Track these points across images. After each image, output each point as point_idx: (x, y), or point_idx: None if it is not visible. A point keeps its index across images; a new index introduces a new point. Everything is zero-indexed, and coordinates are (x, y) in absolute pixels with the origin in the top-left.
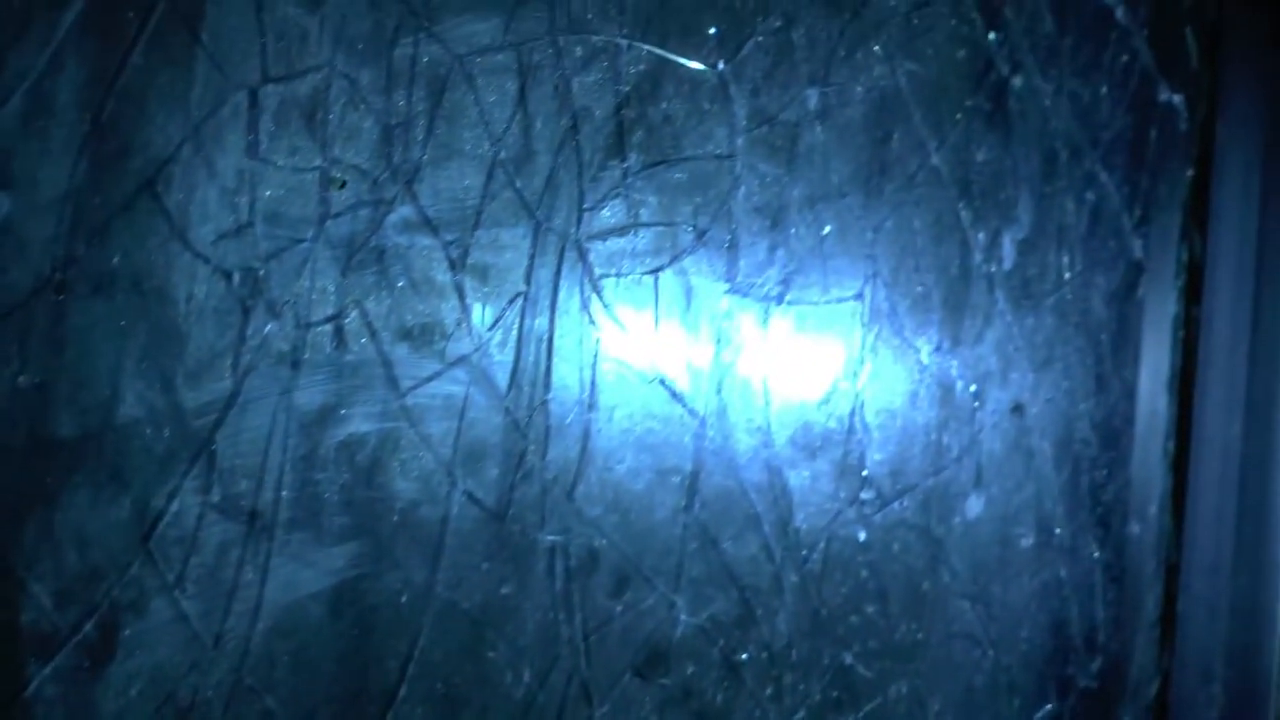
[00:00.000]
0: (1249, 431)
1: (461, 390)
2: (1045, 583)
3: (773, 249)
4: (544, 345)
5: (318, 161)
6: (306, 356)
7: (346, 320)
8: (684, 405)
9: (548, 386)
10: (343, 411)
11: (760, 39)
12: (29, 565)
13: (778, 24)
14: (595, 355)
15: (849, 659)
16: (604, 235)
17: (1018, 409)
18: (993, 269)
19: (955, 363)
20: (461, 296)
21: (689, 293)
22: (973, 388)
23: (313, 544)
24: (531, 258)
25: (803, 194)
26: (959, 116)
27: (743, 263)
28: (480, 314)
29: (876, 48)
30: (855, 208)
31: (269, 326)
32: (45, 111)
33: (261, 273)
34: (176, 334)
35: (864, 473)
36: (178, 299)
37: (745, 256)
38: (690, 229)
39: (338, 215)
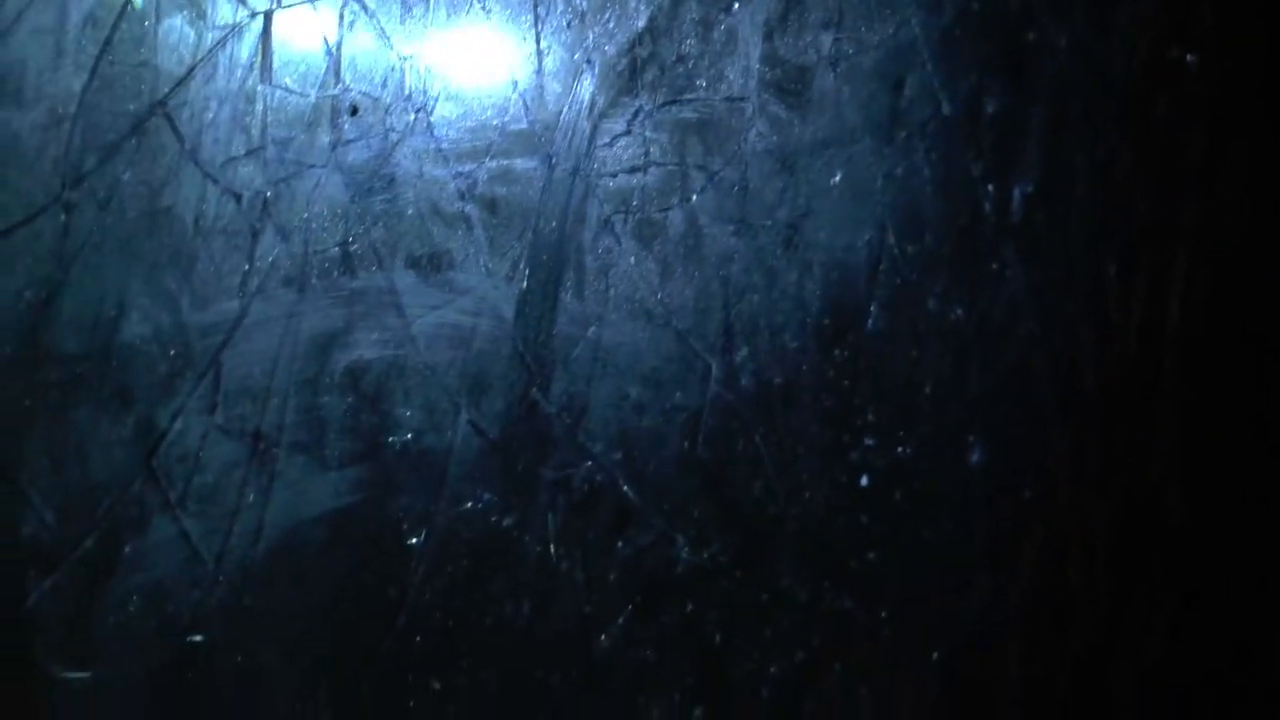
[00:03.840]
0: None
1: (468, 321)
2: (1047, 539)
3: (783, 192)
4: (551, 279)
5: (331, 88)
6: (314, 281)
7: (355, 247)
8: (690, 344)
9: (554, 321)
10: (349, 337)
11: None
12: (32, 480)
13: None
14: (603, 291)
15: (849, 603)
16: (614, 173)
17: (1023, 361)
18: (1002, 221)
19: (961, 313)
20: (470, 227)
21: (698, 233)
22: (978, 339)
23: (316, 468)
24: (542, 191)
25: (814, 138)
26: (972, 66)
27: (752, 205)
28: (489, 246)
29: None
30: (866, 154)
31: (277, 250)
32: (57, 29)
33: (271, 196)
34: (184, 254)
35: (868, 419)
36: (186, 220)
37: (755, 198)
38: (701, 169)
39: (349, 142)
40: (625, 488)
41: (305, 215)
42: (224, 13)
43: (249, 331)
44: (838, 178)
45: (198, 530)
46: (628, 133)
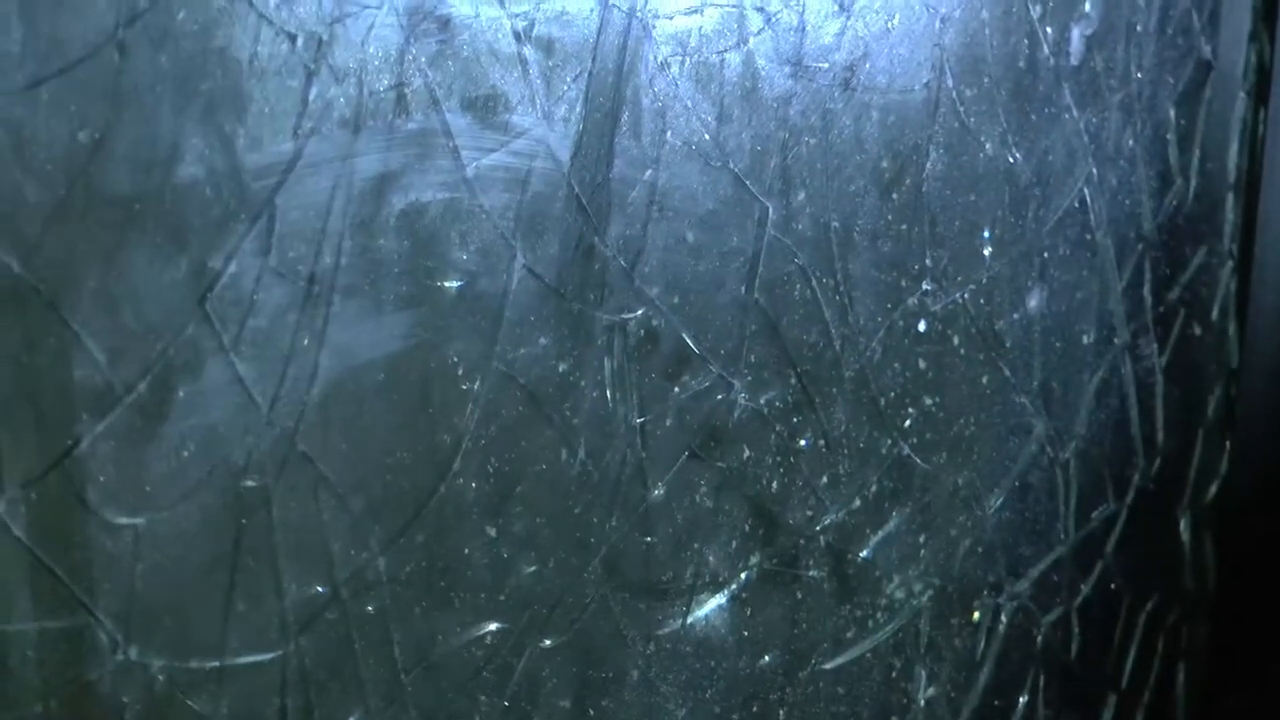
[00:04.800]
0: None
1: (524, 164)
2: (1105, 382)
3: (840, 34)
4: (608, 122)
5: None
6: (369, 123)
7: (410, 89)
8: (747, 188)
9: (610, 164)
10: (404, 180)
11: None
12: (85, 322)
13: None
14: (659, 134)
15: (906, 450)
16: (671, 14)
17: (1081, 205)
18: (1060, 63)
19: (1020, 156)
20: (526, 69)
21: (755, 76)
22: (1036, 182)
23: (370, 311)
24: (598, 32)
25: None
26: None
27: (810, 47)
28: (545, 88)
29: None
30: None
31: (332, 91)
32: None
33: (325, 37)
34: (238, 95)
35: (926, 263)
36: (241, 60)
37: (812, 41)
38: (759, 11)
39: None
40: (681, 332)
41: (360, 57)
42: None
43: (303, 174)
44: (895, 19)
45: (251, 374)
46: None
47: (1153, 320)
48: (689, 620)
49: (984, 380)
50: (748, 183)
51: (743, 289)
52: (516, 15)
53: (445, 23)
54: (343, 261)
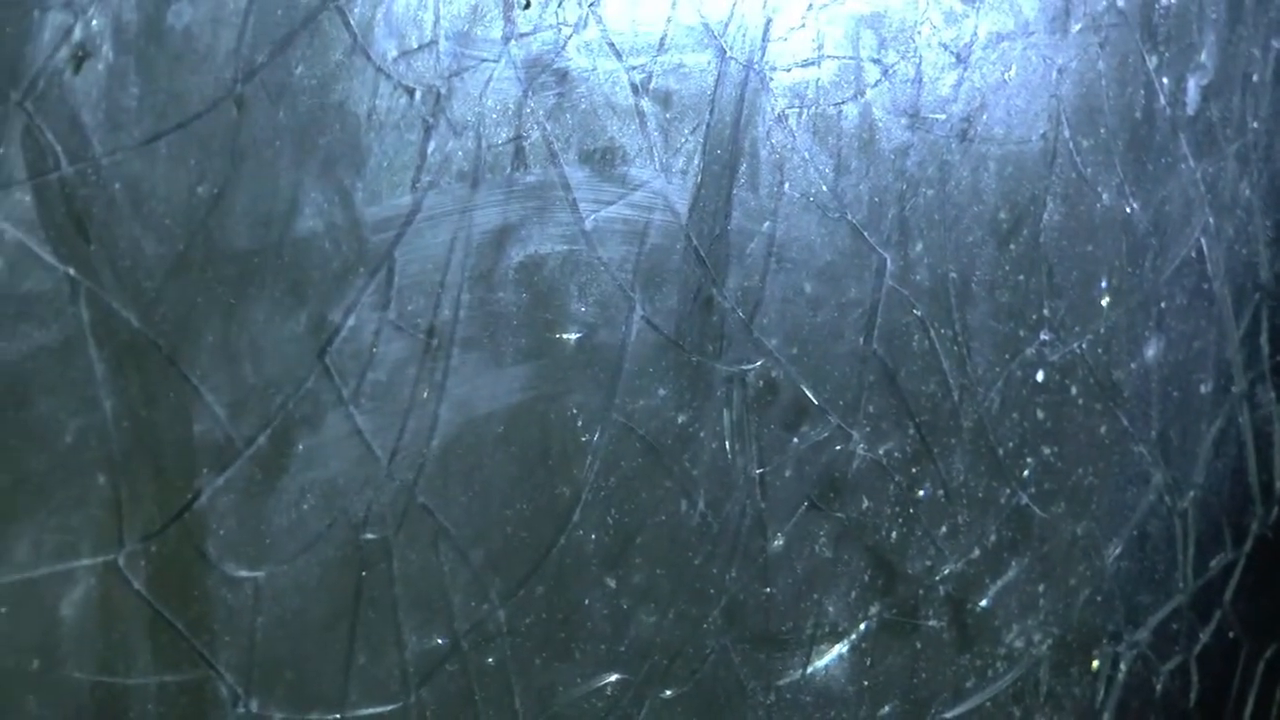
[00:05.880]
0: None
1: (642, 216)
2: (1223, 431)
3: (957, 86)
4: (726, 173)
5: None
6: (487, 176)
7: (528, 141)
8: (865, 239)
9: (728, 216)
10: (522, 232)
11: None
12: (204, 376)
13: None
14: (777, 186)
15: (1025, 499)
16: (788, 66)
17: (1198, 254)
18: (1177, 113)
19: (1137, 206)
20: (643, 122)
21: (872, 127)
22: (1153, 231)
23: (490, 364)
24: (716, 85)
25: (988, 31)
26: None
27: (927, 99)
28: (663, 140)
29: None
30: (1041, 46)
31: (450, 144)
32: None
33: (444, 90)
34: (357, 149)
35: (1044, 314)
36: (359, 114)
37: (929, 93)
38: (875, 63)
39: (522, 36)
40: (800, 383)
41: (478, 110)
42: None
43: (421, 227)
44: (1012, 71)
45: (371, 427)
46: (802, 26)
47: (1270, 369)
48: (809, 670)
49: (1102, 430)
50: (865, 234)
51: (861, 340)
52: (634, 68)
53: (563, 75)
54: (462, 314)
